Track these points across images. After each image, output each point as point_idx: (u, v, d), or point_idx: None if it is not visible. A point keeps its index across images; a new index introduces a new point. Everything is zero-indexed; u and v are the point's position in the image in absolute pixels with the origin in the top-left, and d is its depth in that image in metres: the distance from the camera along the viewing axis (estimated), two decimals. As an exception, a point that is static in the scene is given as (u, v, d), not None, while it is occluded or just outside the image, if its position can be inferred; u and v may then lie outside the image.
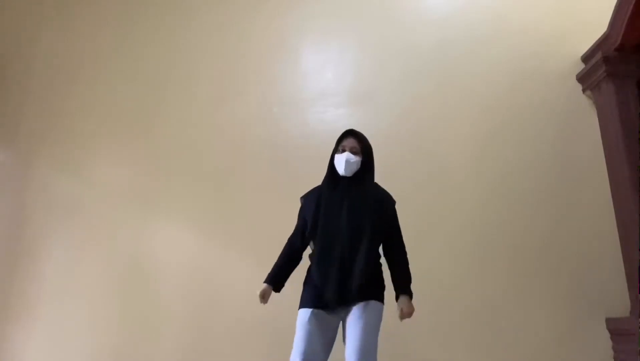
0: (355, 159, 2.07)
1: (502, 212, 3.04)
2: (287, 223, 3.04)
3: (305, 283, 2.10)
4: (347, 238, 1.99)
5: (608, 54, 2.95)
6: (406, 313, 2.00)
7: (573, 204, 3.01)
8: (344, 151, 2.08)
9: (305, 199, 2.18)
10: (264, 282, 2.13)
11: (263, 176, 3.23)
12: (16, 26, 3.81)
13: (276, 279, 2.15)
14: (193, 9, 3.67)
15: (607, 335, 2.79)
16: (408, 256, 2.10)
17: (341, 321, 2.02)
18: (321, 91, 3.40)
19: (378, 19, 3.49)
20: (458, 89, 3.27)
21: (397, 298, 2.04)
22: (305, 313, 2.00)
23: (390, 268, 2.10)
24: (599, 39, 3.03)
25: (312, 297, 2.02)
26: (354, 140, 2.11)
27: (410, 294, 2.03)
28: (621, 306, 2.81)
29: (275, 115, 3.38)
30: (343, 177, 2.08)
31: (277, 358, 2.89)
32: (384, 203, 2.11)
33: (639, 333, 2.54)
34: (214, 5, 3.66)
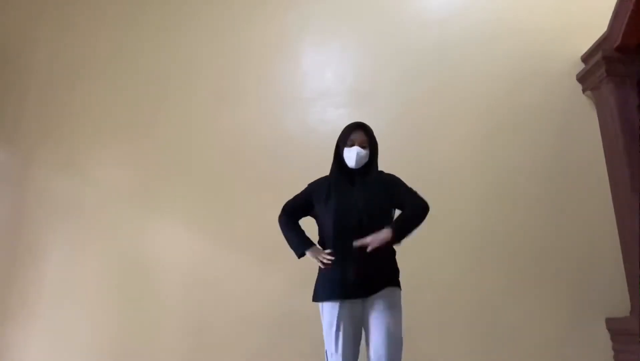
0: (364, 153, 2.13)
1: (502, 212, 3.04)
2: (287, 222, 3.06)
3: (321, 274, 2.10)
4: (365, 226, 1.99)
5: (608, 54, 2.95)
6: (371, 239, 1.94)
7: (573, 204, 3.01)
8: (353, 145, 2.13)
9: (314, 186, 2.21)
10: (304, 250, 2.09)
11: (263, 176, 3.23)
12: (16, 26, 3.81)
13: (309, 240, 2.13)
14: (193, 9, 3.67)
15: (607, 335, 2.79)
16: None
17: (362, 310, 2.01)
18: (321, 91, 3.40)
19: (378, 19, 3.49)
20: (458, 89, 3.27)
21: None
22: (333, 308, 2.00)
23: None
24: (599, 39, 3.03)
25: (334, 288, 2.02)
26: (364, 134, 2.16)
27: (395, 230, 1.98)
28: (621, 306, 2.80)
29: (276, 115, 3.38)
30: (351, 169, 2.14)
31: (277, 355, 2.90)
32: (392, 183, 2.16)
33: (639, 333, 2.54)
34: (214, 5, 3.66)
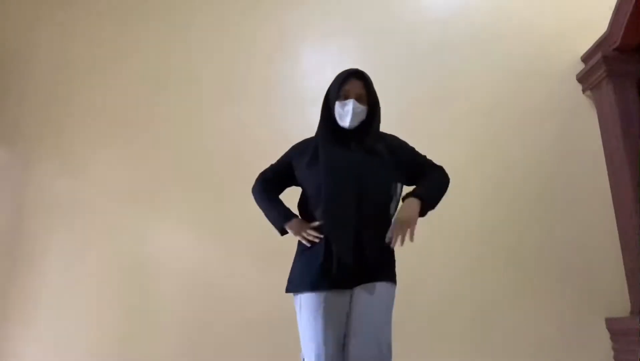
0: (361, 108, 1.70)
1: (502, 212, 3.04)
2: (287, 223, 3.06)
3: (301, 257, 1.70)
4: (361, 203, 1.60)
5: (608, 54, 2.95)
6: (405, 219, 1.58)
7: (573, 204, 3.01)
8: (347, 98, 1.71)
9: (297, 146, 1.85)
10: (285, 222, 1.71)
11: (263, 176, 3.23)
12: (16, 26, 3.81)
13: (290, 212, 1.75)
14: (193, 9, 3.67)
15: (607, 335, 2.79)
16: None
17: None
18: (321, 91, 3.38)
19: (378, 19, 3.49)
20: (458, 89, 3.27)
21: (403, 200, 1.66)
22: (313, 299, 1.60)
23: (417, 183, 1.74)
24: (599, 39, 3.03)
25: (317, 275, 1.60)
26: (361, 84, 1.73)
27: (424, 198, 1.61)
28: (621, 306, 2.81)
29: (276, 115, 3.38)
30: (344, 129, 1.72)
31: (277, 356, 2.90)
32: (400, 146, 1.80)
33: (639, 333, 2.54)
34: (214, 5, 3.66)
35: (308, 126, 3.34)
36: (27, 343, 3.11)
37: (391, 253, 1.73)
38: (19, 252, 3.29)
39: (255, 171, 3.27)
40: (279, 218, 1.74)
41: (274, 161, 3.27)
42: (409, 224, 1.63)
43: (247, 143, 3.32)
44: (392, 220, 1.68)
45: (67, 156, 3.46)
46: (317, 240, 1.63)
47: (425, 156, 1.86)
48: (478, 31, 3.36)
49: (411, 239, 1.64)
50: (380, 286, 1.63)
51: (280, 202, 1.81)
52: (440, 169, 1.83)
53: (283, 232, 1.76)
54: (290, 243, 3.04)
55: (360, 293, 1.61)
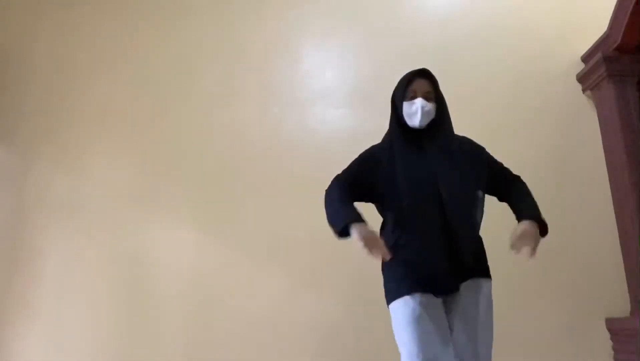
0: (430, 106, 1.68)
1: (501, 212, 3.03)
2: (287, 223, 3.06)
3: (394, 262, 1.59)
4: (449, 202, 1.57)
5: (608, 54, 2.95)
6: (527, 233, 1.52)
7: (573, 204, 3.01)
8: (414, 97, 1.69)
9: (371, 150, 1.75)
10: (353, 222, 1.49)
11: (263, 176, 3.23)
12: (16, 25, 3.81)
13: (359, 215, 1.56)
14: (193, 8, 3.67)
15: (607, 335, 2.79)
16: None
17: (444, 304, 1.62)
18: (321, 91, 3.40)
19: (378, 19, 3.49)
20: (458, 89, 3.25)
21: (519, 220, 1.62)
22: (411, 305, 1.53)
23: (513, 200, 1.74)
24: (599, 39, 3.03)
25: (414, 280, 1.56)
26: (428, 83, 1.72)
27: (539, 221, 1.58)
28: (621, 306, 2.80)
29: (276, 115, 3.38)
30: (415, 130, 1.69)
31: (278, 356, 2.90)
32: (477, 149, 1.78)
33: (639, 333, 2.54)
34: (214, 5, 3.66)
35: (308, 125, 3.39)
36: (27, 343, 3.10)
37: (484, 249, 1.74)
38: (19, 252, 3.29)
39: (255, 170, 3.30)
40: (347, 216, 1.53)
41: (273, 160, 3.28)
42: (533, 239, 1.58)
43: (247, 143, 3.32)
44: (517, 229, 1.63)
45: (66, 155, 3.46)
46: (385, 256, 1.51)
47: (502, 163, 1.83)
48: (478, 31, 3.36)
49: (533, 255, 1.58)
50: (480, 287, 1.65)
51: (353, 205, 1.62)
52: (523, 183, 1.81)
53: (342, 234, 1.54)
54: (291, 244, 3.06)
55: (460, 295, 1.60)
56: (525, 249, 1.58)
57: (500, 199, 1.81)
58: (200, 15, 3.65)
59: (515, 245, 1.59)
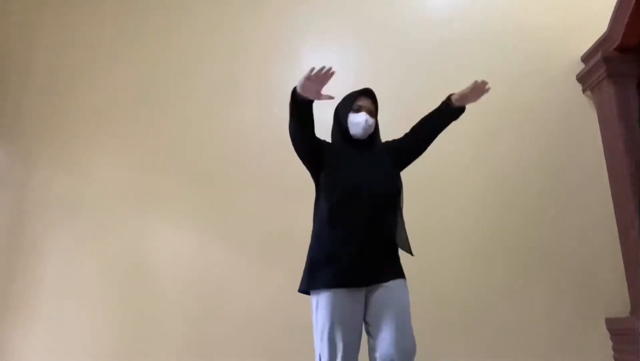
0: (372, 121, 1.92)
1: (502, 212, 3.04)
2: (287, 222, 3.06)
3: (316, 255, 1.78)
4: (374, 200, 1.77)
5: (608, 54, 2.95)
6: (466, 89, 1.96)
7: (573, 204, 3.01)
8: (359, 111, 1.92)
9: (327, 143, 1.98)
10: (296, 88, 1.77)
11: (263, 176, 3.23)
12: (16, 26, 3.81)
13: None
14: (193, 8, 3.67)
15: (607, 335, 2.79)
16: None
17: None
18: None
19: (378, 19, 3.49)
20: (458, 89, 3.25)
21: (448, 100, 2.07)
22: (330, 297, 1.67)
23: (423, 122, 2.06)
24: (599, 39, 3.03)
25: (333, 273, 1.69)
26: (370, 101, 1.97)
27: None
28: (621, 306, 2.81)
29: (276, 115, 3.37)
30: (353, 140, 1.93)
31: (278, 356, 2.90)
32: (395, 149, 1.99)
33: (639, 333, 2.54)
34: (214, 5, 3.66)
35: (308, 126, 3.39)
36: (27, 343, 3.11)
37: (396, 251, 1.85)
38: (19, 252, 3.29)
39: (255, 170, 3.30)
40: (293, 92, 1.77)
41: (273, 161, 3.28)
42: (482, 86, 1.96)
43: (247, 143, 3.33)
44: (461, 93, 2.06)
45: (67, 155, 3.46)
46: (328, 71, 1.74)
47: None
48: (478, 31, 3.36)
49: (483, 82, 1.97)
50: (400, 283, 1.77)
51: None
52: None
53: (302, 99, 1.79)
54: (290, 243, 3.06)
55: (381, 290, 1.72)
56: (479, 85, 2.01)
57: (425, 143, 2.05)
58: (200, 15, 3.65)
59: (474, 94, 2.05)
